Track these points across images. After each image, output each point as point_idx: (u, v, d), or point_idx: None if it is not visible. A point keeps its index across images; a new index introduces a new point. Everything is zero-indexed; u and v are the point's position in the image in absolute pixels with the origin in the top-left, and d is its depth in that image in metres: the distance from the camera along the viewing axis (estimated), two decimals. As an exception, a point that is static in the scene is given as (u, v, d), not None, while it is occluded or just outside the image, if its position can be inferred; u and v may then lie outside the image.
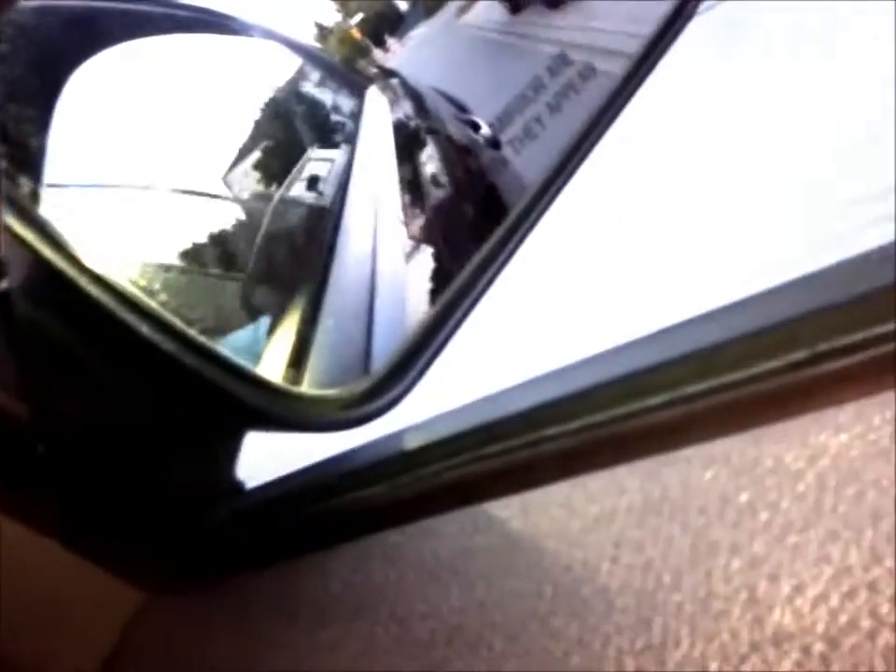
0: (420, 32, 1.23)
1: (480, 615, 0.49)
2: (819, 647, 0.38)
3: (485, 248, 0.78)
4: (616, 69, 0.89)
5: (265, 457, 0.75)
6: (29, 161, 0.65)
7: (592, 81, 0.91)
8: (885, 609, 0.38)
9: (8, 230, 0.58)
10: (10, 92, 0.67)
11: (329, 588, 0.59)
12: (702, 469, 0.47)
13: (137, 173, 0.76)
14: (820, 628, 0.39)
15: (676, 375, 0.53)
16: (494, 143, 0.99)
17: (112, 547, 0.67)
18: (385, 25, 1.23)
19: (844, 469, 0.43)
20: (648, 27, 0.88)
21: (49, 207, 0.62)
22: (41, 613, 0.64)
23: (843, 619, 0.38)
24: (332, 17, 1.18)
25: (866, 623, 0.38)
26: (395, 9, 1.28)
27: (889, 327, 0.46)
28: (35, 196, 0.62)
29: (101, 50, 0.85)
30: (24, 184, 0.63)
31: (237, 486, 0.70)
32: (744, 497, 0.45)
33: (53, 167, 0.66)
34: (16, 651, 0.63)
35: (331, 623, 0.57)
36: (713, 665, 0.40)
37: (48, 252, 0.59)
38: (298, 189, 0.89)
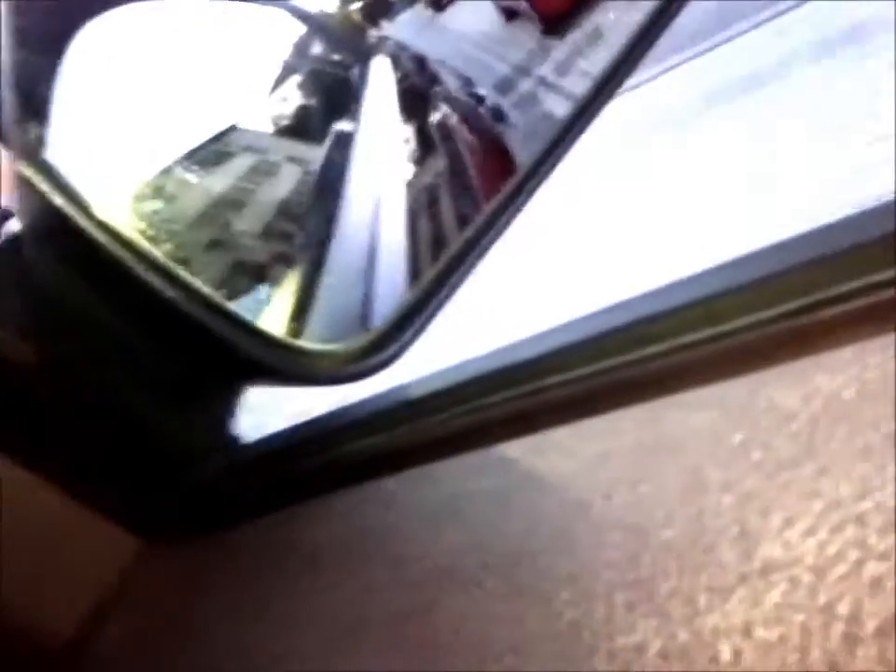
0: (406, 16, 1.27)
1: (473, 555, 0.50)
2: (806, 577, 0.39)
3: (488, 208, 0.78)
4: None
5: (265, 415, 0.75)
6: (37, 108, 0.65)
7: (598, 45, 0.91)
8: (872, 540, 0.38)
9: (18, 174, 0.59)
10: (21, 40, 0.67)
11: (325, 533, 0.59)
12: (697, 411, 0.48)
13: (145, 124, 0.77)
14: (809, 560, 0.39)
15: (674, 325, 0.53)
16: (498, 115, 0.99)
17: (111, 494, 0.67)
18: (380, 9, 1.29)
19: (837, 408, 0.43)
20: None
21: (56, 153, 0.62)
22: (38, 557, 0.65)
23: (831, 550, 0.39)
24: (333, 2, 1.24)
25: (854, 554, 0.38)
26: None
27: (885, 275, 0.46)
28: (42, 142, 0.63)
29: (112, 7, 0.85)
30: (32, 130, 0.63)
31: (235, 439, 0.70)
32: (737, 437, 0.45)
33: (61, 115, 0.67)
34: (10, 595, 0.64)
35: (327, 567, 0.57)
36: (701, 597, 0.40)
37: (55, 197, 0.59)
38: (304, 149, 0.89)
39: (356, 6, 1.25)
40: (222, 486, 0.68)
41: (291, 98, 0.98)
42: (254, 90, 0.95)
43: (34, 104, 0.65)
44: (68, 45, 0.72)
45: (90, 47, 0.78)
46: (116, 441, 0.67)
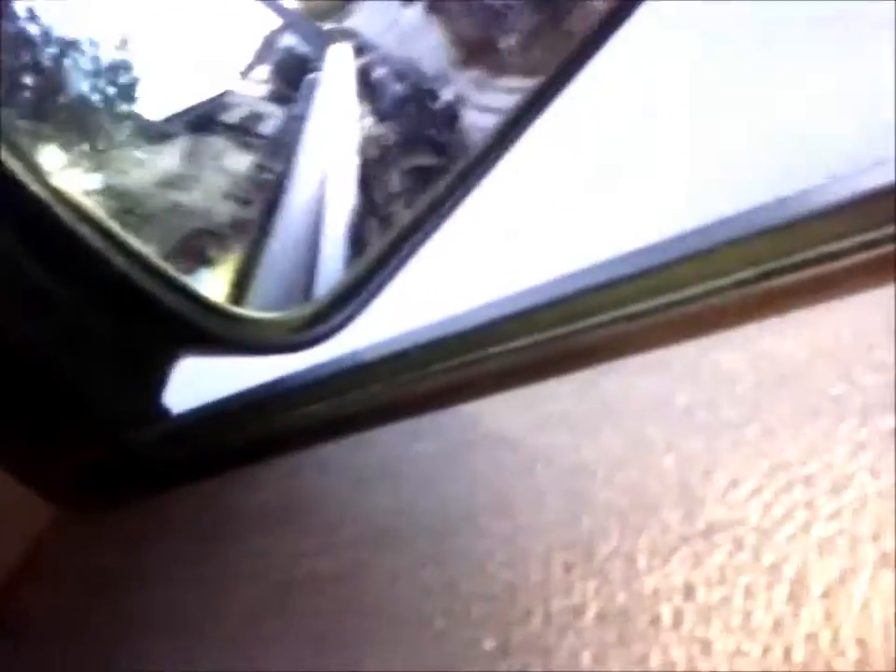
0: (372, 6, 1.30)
1: (408, 518, 0.48)
2: (750, 538, 0.37)
3: (438, 187, 0.77)
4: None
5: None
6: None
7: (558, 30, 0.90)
8: (820, 501, 0.37)
9: None
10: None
11: (258, 499, 0.57)
12: (641, 375, 0.46)
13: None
14: (753, 520, 0.38)
15: (620, 295, 0.52)
16: (451, 114, 0.99)
17: (29, 456, 0.65)
18: None
19: (784, 372, 0.42)
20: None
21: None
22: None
23: (777, 511, 0.37)
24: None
25: (801, 515, 0.37)
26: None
27: (834, 246, 0.45)
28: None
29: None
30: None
31: (164, 410, 0.68)
32: (681, 400, 0.44)
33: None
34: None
35: (259, 532, 0.55)
36: (641, 559, 0.39)
37: None
38: (256, 122, 0.89)
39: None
40: (149, 456, 0.65)
41: (260, 83, 0.98)
42: (225, 73, 0.95)
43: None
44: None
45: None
46: (38, 403, 0.64)
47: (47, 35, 0.85)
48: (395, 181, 0.86)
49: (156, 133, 0.85)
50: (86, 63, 0.86)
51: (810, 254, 0.46)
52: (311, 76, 1.07)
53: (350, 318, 0.67)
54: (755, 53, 1.92)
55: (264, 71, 1.03)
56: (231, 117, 0.92)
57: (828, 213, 0.47)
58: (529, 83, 0.92)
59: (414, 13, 1.27)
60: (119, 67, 0.86)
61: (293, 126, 0.91)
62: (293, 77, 1.05)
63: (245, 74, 1.01)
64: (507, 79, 0.98)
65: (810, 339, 0.42)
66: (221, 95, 0.93)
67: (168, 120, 0.87)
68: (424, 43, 1.19)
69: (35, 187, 0.59)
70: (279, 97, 1.01)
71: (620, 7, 0.93)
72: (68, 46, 0.85)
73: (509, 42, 1.10)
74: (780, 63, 1.85)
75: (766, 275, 0.47)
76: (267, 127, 0.95)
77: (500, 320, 0.56)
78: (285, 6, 1.24)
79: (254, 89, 0.99)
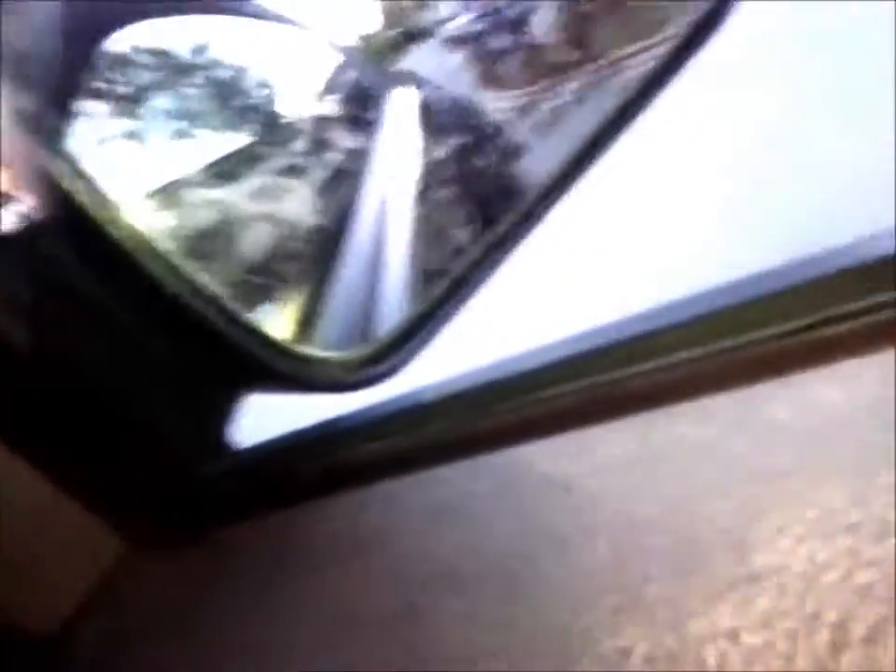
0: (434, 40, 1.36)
1: (471, 558, 0.50)
2: (796, 584, 0.39)
3: (495, 231, 0.79)
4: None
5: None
6: (62, 101, 0.66)
7: (618, 78, 0.92)
8: (863, 548, 0.38)
9: (41, 166, 0.59)
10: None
11: (329, 532, 0.59)
12: (692, 422, 0.48)
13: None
14: (799, 567, 0.39)
15: (671, 341, 0.53)
16: (514, 150, 1.01)
17: (100, 488, 0.67)
18: (412, 35, 1.39)
19: (833, 422, 0.43)
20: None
21: (79, 145, 0.62)
22: (23, 551, 0.64)
23: (822, 557, 0.39)
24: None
25: (845, 562, 0.38)
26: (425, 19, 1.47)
27: (884, 296, 0.46)
28: (64, 133, 0.63)
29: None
30: (56, 121, 0.64)
31: (231, 446, 0.70)
32: (732, 447, 0.45)
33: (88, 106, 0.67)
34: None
35: (331, 564, 0.57)
36: (689, 602, 0.40)
37: (77, 191, 0.59)
38: (317, 167, 0.91)
39: (394, 31, 1.35)
40: (217, 491, 0.68)
41: (331, 110, 1.01)
42: (301, 99, 0.98)
43: (59, 96, 0.66)
44: (97, 44, 0.73)
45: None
46: (115, 438, 0.66)
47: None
48: (451, 217, 0.89)
49: (228, 167, 0.88)
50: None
51: (857, 305, 0.47)
52: (377, 108, 1.10)
53: (408, 359, 0.69)
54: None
55: (334, 100, 1.06)
56: (304, 141, 0.95)
57: (874, 264, 0.48)
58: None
59: (455, 55, 1.32)
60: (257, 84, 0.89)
61: (360, 154, 0.94)
62: (361, 108, 1.09)
63: (318, 99, 1.04)
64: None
65: (855, 390, 0.44)
66: (297, 121, 0.96)
67: (229, 158, 0.89)
68: (463, 80, 1.23)
69: (105, 221, 0.61)
70: (349, 124, 1.04)
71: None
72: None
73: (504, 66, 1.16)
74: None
75: (813, 326, 0.48)
76: (337, 151, 0.98)
77: (555, 364, 0.58)
78: (346, 46, 1.30)
79: (326, 113, 1.02)
